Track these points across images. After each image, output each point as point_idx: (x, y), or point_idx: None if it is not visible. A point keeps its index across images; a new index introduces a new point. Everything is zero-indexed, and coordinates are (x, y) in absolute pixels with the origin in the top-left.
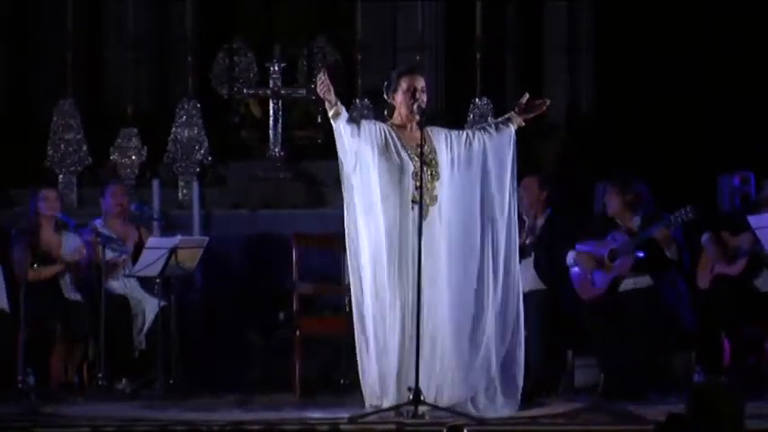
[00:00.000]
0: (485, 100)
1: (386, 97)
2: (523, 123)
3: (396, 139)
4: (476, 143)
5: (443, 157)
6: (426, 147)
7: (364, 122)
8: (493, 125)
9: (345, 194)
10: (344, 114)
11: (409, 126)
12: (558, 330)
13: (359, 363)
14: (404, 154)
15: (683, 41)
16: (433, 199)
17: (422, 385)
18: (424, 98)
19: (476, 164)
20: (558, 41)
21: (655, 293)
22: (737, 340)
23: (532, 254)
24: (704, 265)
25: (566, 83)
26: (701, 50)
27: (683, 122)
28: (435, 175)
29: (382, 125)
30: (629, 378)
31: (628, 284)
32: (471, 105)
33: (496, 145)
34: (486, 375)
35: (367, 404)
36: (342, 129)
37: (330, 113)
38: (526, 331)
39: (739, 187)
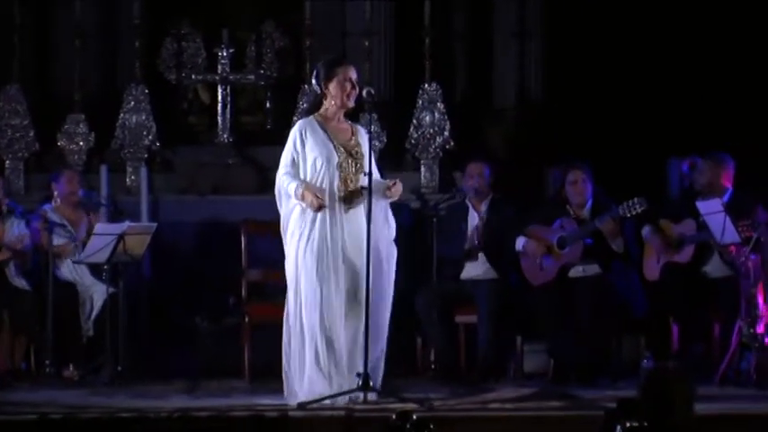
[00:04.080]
0: (434, 85)
1: (316, 87)
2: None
3: (321, 131)
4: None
5: (366, 152)
6: (353, 140)
7: (297, 147)
8: None
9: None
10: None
11: (337, 118)
12: (508, 316)
13: (289, 353)
14: (330, 145)
15: (631, 27)
16: (359, 192)
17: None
18: (358, 87)
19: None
20: (508, 27)
21: (604, 281)
22: (686, 326)
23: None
24: (649, 256)
25: (515, 68)
26: (649, 36)
27: (633, 108)
28: (360, 168)
29: (306, 121)
30: (579, 364)
31: (577, 271)
32: (420, 91)
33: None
34: None
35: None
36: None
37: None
38: (477, 318)
39: (688, 173)
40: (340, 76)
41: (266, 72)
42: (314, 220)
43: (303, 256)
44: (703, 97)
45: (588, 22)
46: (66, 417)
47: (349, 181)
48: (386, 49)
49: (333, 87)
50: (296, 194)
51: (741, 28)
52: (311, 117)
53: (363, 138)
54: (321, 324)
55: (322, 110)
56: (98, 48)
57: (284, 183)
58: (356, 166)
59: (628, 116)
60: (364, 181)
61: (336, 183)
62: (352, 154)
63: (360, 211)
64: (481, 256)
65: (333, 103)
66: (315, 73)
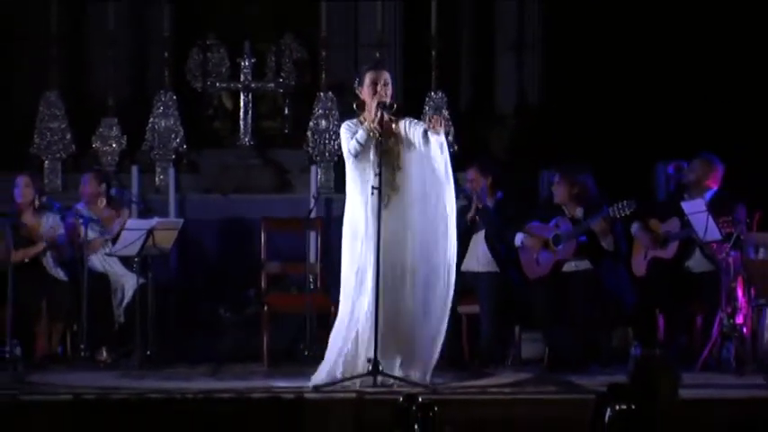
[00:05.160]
0: (440, 94)
1: (357, 93)
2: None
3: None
4: (418, 131)
5: (406, 148)
6: (393, 138)
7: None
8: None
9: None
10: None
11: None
12: (507, 308)
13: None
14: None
15: (623, 42)
16: (395, 188)
17: (384, 357)
18: (387, 91)
19: (423, 152)
20: (509, 39)
21: (595, 275)
22: (671, 317)
23: (483, 229)
24: (637, 252)
25: (515, 77)
26: (638, 50)
27: (623, 116)
28: (396, 167)
29: (352, 121)
30: (572, 351)
31: (570, 266)
32: (427, 99)
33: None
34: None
35: (338, 374)
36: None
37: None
38: (479, 308)
39: (674, 175)
40: (368, 81)
41: (285, 80)
42: (363, 209)
43: (349, 246)
44: (689, 106)
45: (582, 37)
46: (99, 397)
47: (385, 179)
48: (395, 59)
49: (364, 92)
50: (362, 137)
51: (727, 42)
52: (356, 119)
53: (409, 129)
54: (355, 309)
55: (364, 114)
56: (130, 57)
57: (353, 142)
58: (393, 164)
59: (619, 124)
60: (399, 179)
61: (371, 181)
62: (386, 151)
63: (396, 206)
64: (483, 249)
65: (368, 107)
66: (357, 79)
